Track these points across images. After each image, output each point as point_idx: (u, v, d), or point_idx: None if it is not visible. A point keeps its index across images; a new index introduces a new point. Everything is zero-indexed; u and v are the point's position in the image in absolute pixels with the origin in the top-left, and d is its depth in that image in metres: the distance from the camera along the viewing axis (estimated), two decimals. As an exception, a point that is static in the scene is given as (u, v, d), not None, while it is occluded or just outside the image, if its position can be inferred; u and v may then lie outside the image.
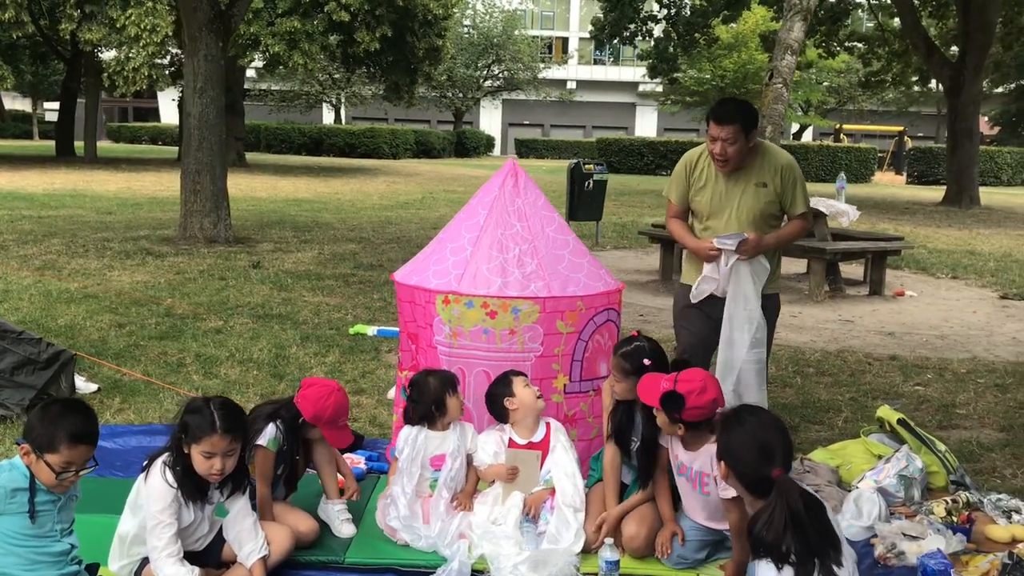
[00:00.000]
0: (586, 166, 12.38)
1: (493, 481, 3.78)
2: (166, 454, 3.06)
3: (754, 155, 4.41)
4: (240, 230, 12.99)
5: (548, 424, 3.85)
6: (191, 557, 3.14)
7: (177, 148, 34.70)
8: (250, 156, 34.85)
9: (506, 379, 3.85)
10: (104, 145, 39.32)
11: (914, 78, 29.01)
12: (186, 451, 3.03)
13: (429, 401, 3.77)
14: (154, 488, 3.00)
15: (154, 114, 59.58)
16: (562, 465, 3.70)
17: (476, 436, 3.86)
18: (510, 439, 3.79)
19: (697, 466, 3.35)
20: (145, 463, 3.10)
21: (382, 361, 6.55)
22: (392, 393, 5.67)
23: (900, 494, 4.13)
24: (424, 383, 3.82)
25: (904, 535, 3.70)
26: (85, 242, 11.93)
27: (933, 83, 33.15)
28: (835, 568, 2.42)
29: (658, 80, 32.77)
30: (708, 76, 41.47)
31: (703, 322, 4.55)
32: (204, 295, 8.71)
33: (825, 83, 46.32)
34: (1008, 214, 21.72)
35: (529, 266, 4.34)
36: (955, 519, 3.89)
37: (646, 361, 3.63)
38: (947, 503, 3.96)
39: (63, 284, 8.92)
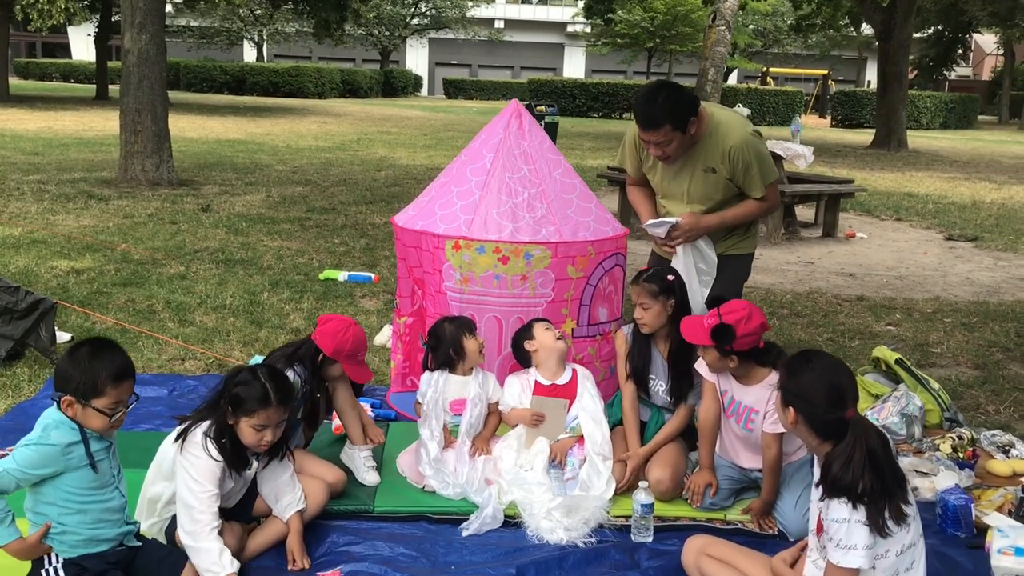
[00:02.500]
0: (537, 107, 12.24)
1: (515, 424, 3.76)
2: (205, 424, 2.93)
3: (701, 137, 3.89)
4: (180, 172, 12.55)
5: (575, 370, 3.82)
6: (222, 513, 3.04)
7: (94, 86, 33.35)
8: (171, 95, 33.56)
9: (528, 325, 3.84)
10: (13, 82, 37.36)
11: (844, 21, 29.38)
12: (231, 423, 2.92)
13: (447, 346, 3.73)
14: (198, 462, 2.85)
15: (63, 50, 56.91)
16: (591, 412, 3.69)
17: (498, 386, 3.82)
18: (535, 382, 3.76)
19: (749, 400, 3.37)
20: (179, 431, 2.94)
21: (359, 307, 6.44)
22: (381, 338, 5.59)
23: (902, 432, 4.24)
24: (441, 329, 3.79)
25: (916, 472, 3.81)
26: (19, 184, 11.39)
27: (856, 28, 33.66)
28: (903, 506, 2.46)
29: (590, 21, 32.49)
30: (638, 18, 41.35)
31: None
32: (158, 240, 8.42)
33: (752, 26, 46.67)
34: (935, 157, 22.33)
35: (539, 211, 4.28)
36: (961, 455, 4.02)
37: (669, 277, 3.68)
38: (953, 440, 4.08)
39: (6, 229, 8.51)
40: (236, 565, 2.84)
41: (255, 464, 3.05)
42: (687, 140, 3.84)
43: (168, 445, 3.02)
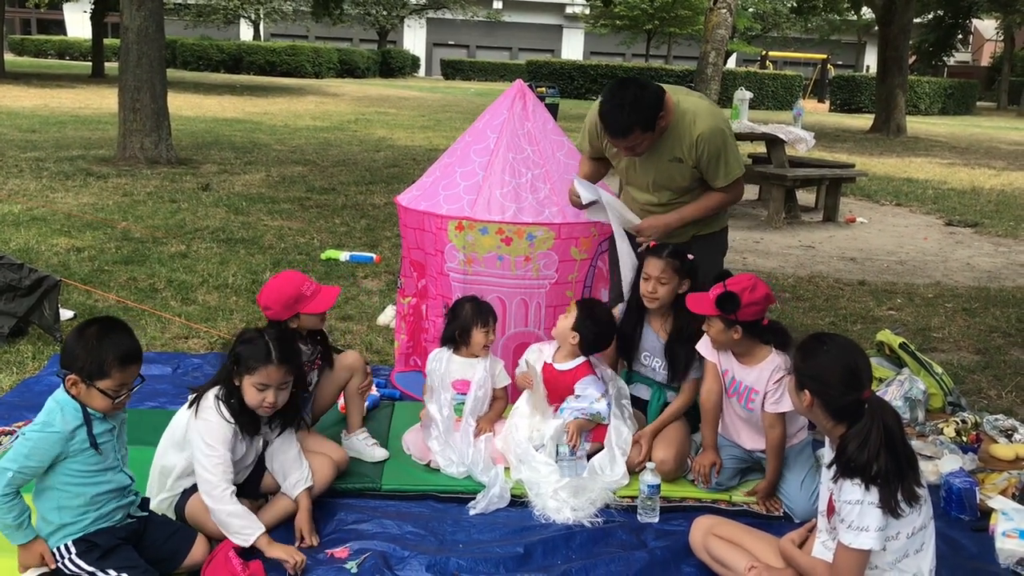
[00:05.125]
0: (538, 88, 12.19)
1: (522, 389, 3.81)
2: (216, 388, 2.94)
3: (667, 127, 3.73)
4: (178, 150, 12.48)
5: (589, 366, 3.70)
6: (230, 488, 3.05)
7: (90, 63, 33.11)
8: (168, 73, 33.33)
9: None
10: (7, 58, 37.05)
11: (845, 5, 29.23)
12: (237, 383, 2.92)
13: (456, 326, 3.72)
14: (211, 424, 2.89)
15: (58, 26, 56.49)
16: (625, 409, 3.70)
17: (504, 373, 3.81)
18: (545, 362, 3.75)
19: (749, 380, 3.39)
20: (192, 397, 2.97)
21: (361, 287, 6.42)
22: (384, 318, 5.58)
23: (905, 416, 4.26)
24: (460, 308, 3.77)
25: (920, 455, 3.82)
26: (17, 162, 11.33)
27: (856, 12, 33.45)
28: (916, 488, 2.47)
29: (589, 3, 32.22)
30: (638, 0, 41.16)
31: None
32: (158, 218, 8.39)
33: (751, 9, 46.44)
34: (934, 142, 22.30)
35: (542, 191, 4.27)
36: (965, 439, 4.04)
37: (690, 256, 3.69)
38: (957, 423, 4.10)
39: (5, 206, 8.47)
40: (261, 525, 2.90)
41: (268, 432, 3.06)
42: (656, 135, 3.72)
43: (182, 413, 3.03)
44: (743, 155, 12.65)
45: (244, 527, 2.88)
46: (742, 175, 3.87)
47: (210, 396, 2.93)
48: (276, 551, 2.87)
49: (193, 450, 2.91)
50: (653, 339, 3.79)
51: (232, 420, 2.90)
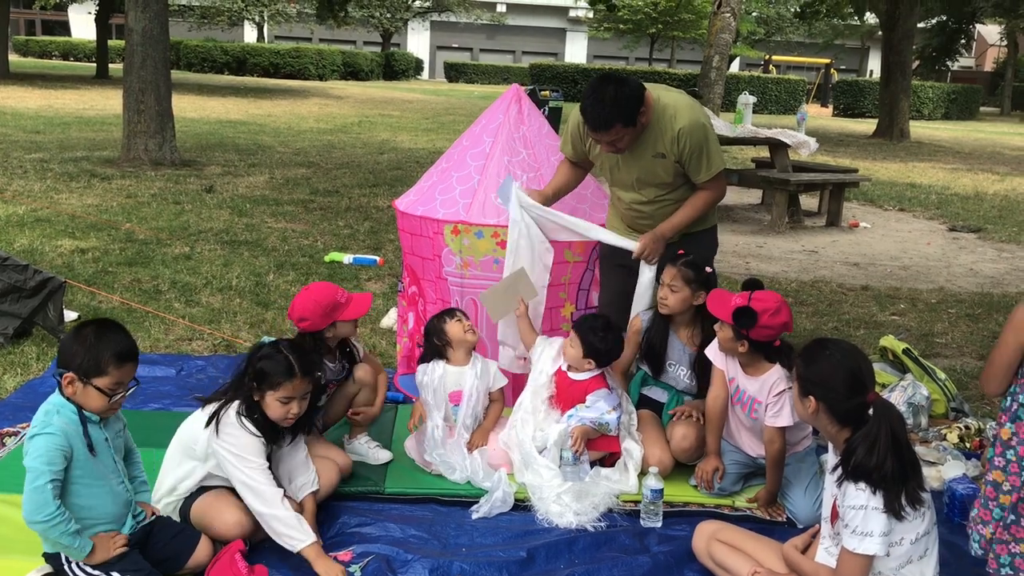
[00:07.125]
0: (542, 92, 12.22)
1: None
2: (235, 404, 2.94)
3: (648, 123, 3.73)
4: (182, 152, 12.51)
5: (605, 382, 3.67)
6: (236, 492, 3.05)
7: (95, 65, 33.16)
8: (172, 75, 33.33)
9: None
10: (12, 59, 37.09)
11: (849, 10, 29.20)
12: (257, 399, 2.93)
13: (431, 336, 3.73)
14: (240, 441, 2.89)
15: (63, 28, 56.58)
16: (648, 434, 3.71)
17: (500, 375, 3.81)
18: (560, 369, 3.74)
19: (752, 390, 3.39)
20: (211, 414, 2.95)
21: (365, 290, 6.43)
22: (387, 321, 5.59)
23: (908, 421, 4.25)
24: (427, 326, 3.79)
25: (923, 461, 3.82)
26: (21, 162, 11.36)
27: (860, 16, 33.44)
28: (919, 492, 2.47)
29: (593, 7, 32.22)
30: (641, 3, 41.18)
31: (621, 275, 4.09)
32: (162, 219, 8.41)
33: (755, 13, 46.48)
34: (937, 147, 22.28)
35: (537, 195, 4.27)
36: (968, 445, 4.04)
37: (708, 269, 3.65)
38: (960, 430, 4.10)
39: (9, 207, 8.49)
40: (312, 536, 2.90)
41: (282, 439, 3.07)
42: (639, 131, 3.73)
43: (196, 428, 3.01)
44: (746, 159, 12.64)
45: (290, 536, 2.88)
46: (723, 169, 3.89)
47: (231, 414, 2.92)
48: (320, 568, 2.85)
49: (227, 467, 2.91)
50: (679, 349, 3.77)
51: (260, 434, 2.91)
